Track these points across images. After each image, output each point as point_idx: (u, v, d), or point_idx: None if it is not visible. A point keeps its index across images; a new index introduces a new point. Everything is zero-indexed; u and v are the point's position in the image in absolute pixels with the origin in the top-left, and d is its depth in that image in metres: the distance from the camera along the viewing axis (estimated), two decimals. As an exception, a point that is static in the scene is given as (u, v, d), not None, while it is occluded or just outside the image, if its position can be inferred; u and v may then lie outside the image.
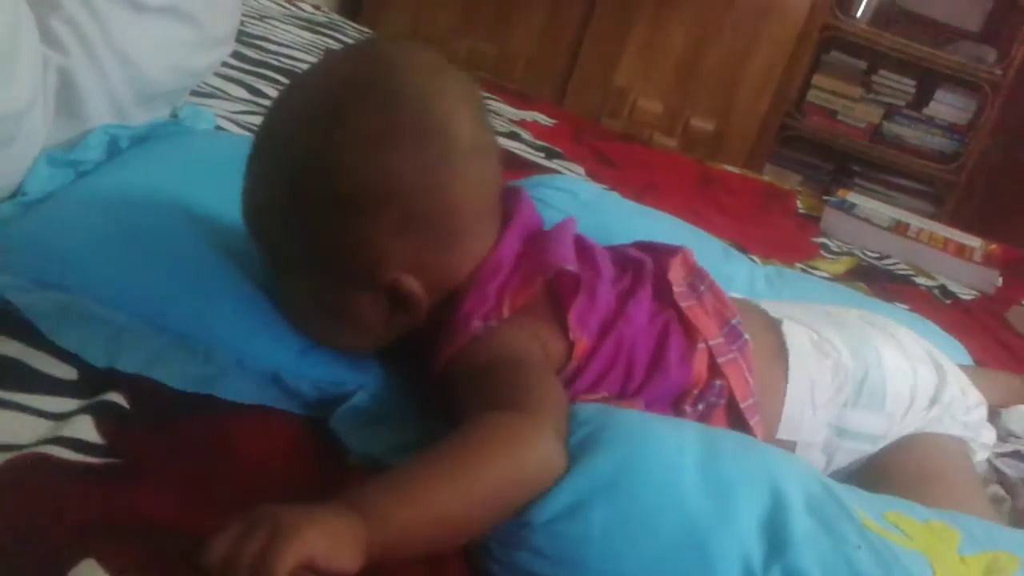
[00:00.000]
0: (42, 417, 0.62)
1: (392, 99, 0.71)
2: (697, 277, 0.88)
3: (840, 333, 0.90)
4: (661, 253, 0.88)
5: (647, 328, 0.80)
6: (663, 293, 0.84)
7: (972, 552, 0.67)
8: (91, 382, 0.66)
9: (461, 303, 0.73)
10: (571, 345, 0.75)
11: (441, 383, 0.72)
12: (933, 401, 0.89)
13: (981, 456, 0.96)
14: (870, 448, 0.86)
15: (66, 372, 0.66)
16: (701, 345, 0.81)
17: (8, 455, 0.57)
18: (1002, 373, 1.17)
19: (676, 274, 0.85)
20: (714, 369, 0.81)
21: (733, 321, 0.85)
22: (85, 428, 0.61)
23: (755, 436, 0.81)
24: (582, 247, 0.84)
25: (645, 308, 0.81)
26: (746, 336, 0.84)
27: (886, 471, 0.84)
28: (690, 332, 0.82)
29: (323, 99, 0.72)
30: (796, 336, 0.87)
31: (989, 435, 0.96)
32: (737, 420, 0.81)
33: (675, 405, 0.79)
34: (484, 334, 0.72)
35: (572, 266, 0.77)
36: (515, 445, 0.61)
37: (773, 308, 0.94)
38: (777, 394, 0.83)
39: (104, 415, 0.63)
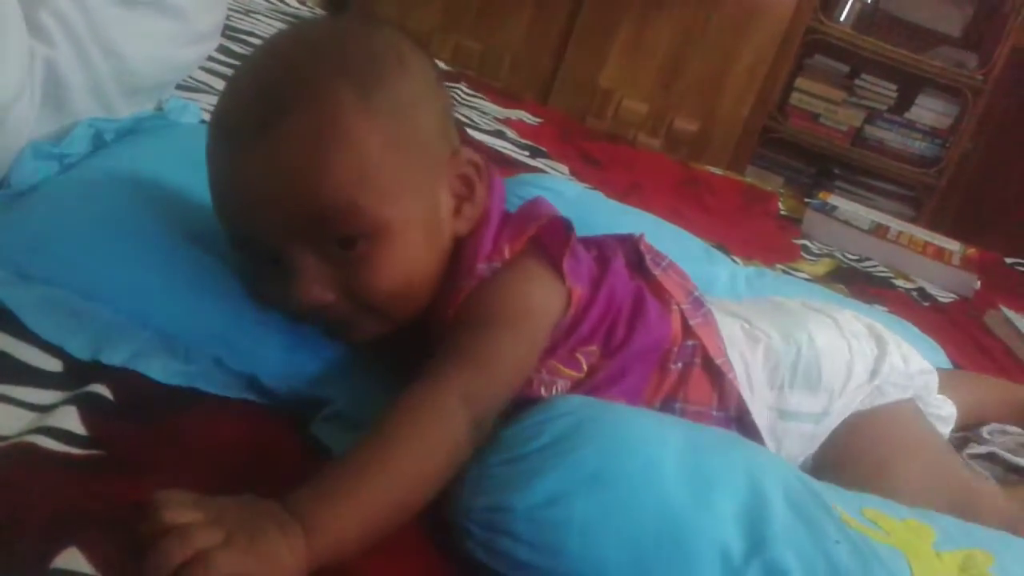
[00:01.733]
0: (27, 408, 0.62)
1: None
2: (657, 256, 0.91)
3: (772, 319, 0.92)
4: (621, 238, 0.92)
5: (627, 286, 0.84)
6: (633, 264, 0.88)
7: (948, 548, 0.69)
8: (76, 374, 0.66)
9: (462, 259, 0.76)
10: (568, 293, 0.77)
11: (442, 336, 0.73)
12: (873, 373, 0.91)
13: (941, 430, 0.98)
14: (813, 427, 0.88)
15: (51, 364, 0.67)
16: (674, 306, 0.86)
17: (-7, 445, 0.57)
18: (984, 379, 1.20)
19: (644, 248, 0.90)
20: (687, 330, 0.84)
21: (695, 293, 0.89)
22: (70, 419, 0.61)
23: (737, 390, 0.84)
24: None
25: (623, 269, 0.86)
26: (708, 306, 0.88)
27: (847, 455, 0.86)
28: (661, 296, 0.86)
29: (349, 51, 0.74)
30: (726, 326, 0.89)
31: (947, 408, 0.98)
32: (716, 378, 0.84)
33: (660, 363, 0.82)
34: (489, 276, 0.75)
35: (560, 214, 0.80)
36: (424, 439, 0.62)
37: (713, 302, 0.95)
38: (738, 383, 0.85)
39: (89, 407, 0.63)
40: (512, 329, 0.73)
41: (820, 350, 0.90)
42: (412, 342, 0.77)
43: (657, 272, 0.88)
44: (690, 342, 0.84)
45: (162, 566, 0.49)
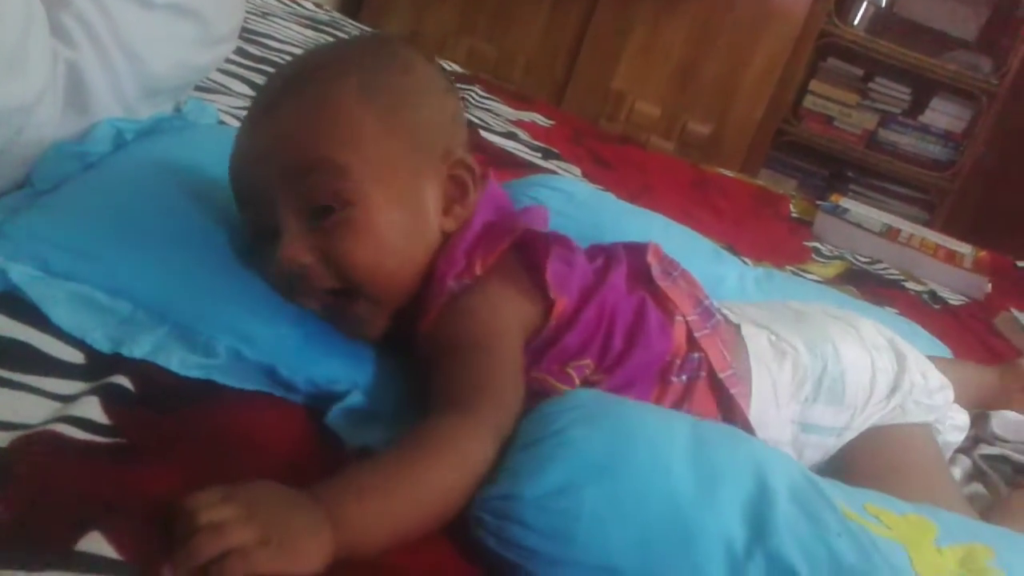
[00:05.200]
0: (51, 398, 0.64)
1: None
2: (669, 265, 0.92)
3: (799, 331, 0.92)
4: (631, 247, 0.92)
5: (626, 298, 0.84)
6: (639, 274, 0.88)
7: (949, 544, 0.70)
8: (98, 366, 0.68)
9: (435, 270, 0.79)
10: (550, 304, 0.79)
11: (424, 353, 0.77)
12: (893, 389, 0.91)
13: (953, 437, 0.99)
14: (835, 440, 0.89)
15: (74, 356, 0.69)
16: (678, 318, 0.86)
17: (19, 433, 0.59)
18: (975, 367, 1.19)
19: (652, 258, 0.90)
20: (692, 342, 0.85)
21: (705, 302, 0.90)
22: (92, 409, 0.63)
23: (741, 407, 0.84)
24: (554, 233, 0.87)
25: (623, 280, 0.86)
26: (718, 316, 0.89)
27: (856, 466, 0.87)
28: (666, 307, 0.86)
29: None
30: (754, 339, 0.90)
31: (961, 417, 0.99)
32: (721, 393, 0.84)
33: (661, 376, 0.82)
34: (460, 292, 0.77)
35: (541, 228, 0.82)
36: (454, 454, 0.65)
37: (735, 308, 0.96)
38: (744, 397, 0.86)
39: (111, 397, 0.65)
40: (498, 352, 0.75)
41: (845, 365, 0.90)
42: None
43: (665, 283, 0.88)
44: (695, 355, 0.84)
45: (194, 558, 0.51)
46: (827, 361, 0.90)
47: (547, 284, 0.79)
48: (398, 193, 0.78)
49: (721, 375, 0.84)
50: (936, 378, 0.96)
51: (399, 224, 0.78)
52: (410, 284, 0.79)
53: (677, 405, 0.82)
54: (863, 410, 0.90)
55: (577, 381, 0.78)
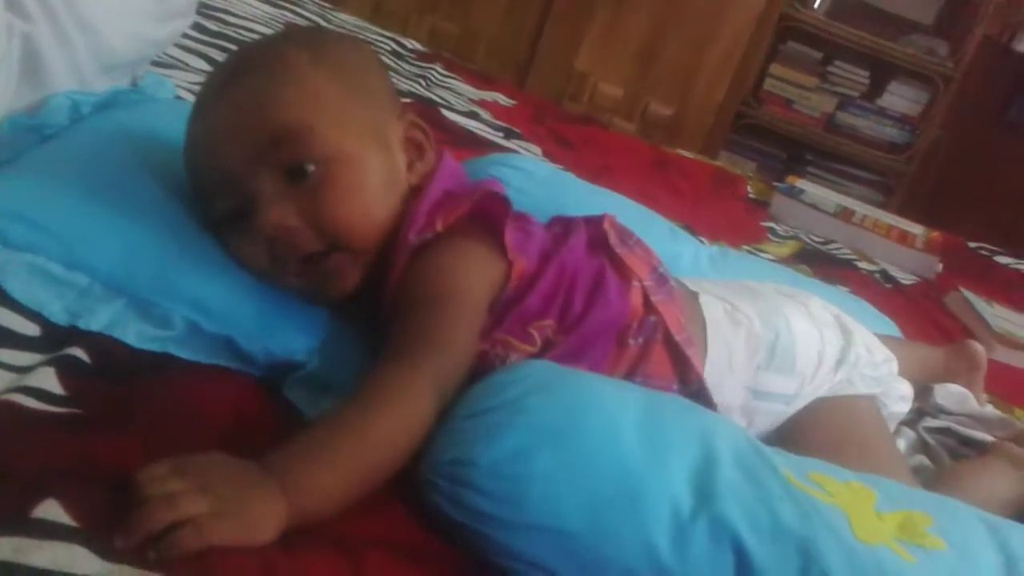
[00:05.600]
0: (5, 369, 0.64)
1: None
2: (625, 234, 0.94)
3: (753, 303, 0.96)
4: (588, 218, 0.95)
5: (586, 262, 0.86)
6: (597, 242, 0.91)
7: (888, 510, 0.72)
8: (53, 338, 0.69)
9: (398, 232, 0.81)
10: (509, 266, 0.81)
11: (389, 311, 0.78)
12: (840, 362, 0.94)
13: (899, 408, 1.02)
14: (784, 407, 0.92)
15: (29, 328, 0.69)
16: (635, 283, 0.88)
17: (-28, 403, 0.59)
18: (921, 347, 1.23)
19: (608, 227, 0.93)
20: (648, 306, 0.87)
21: (660, 269, 0.92)
22: (48, 379, 0.63)
23: (696, 367, 0.86)
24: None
25: (583, 245, 0.89)
26: (672, 283, 0.91)
27: (804, 436, 0.90)
28: (623, 272, 0.88)
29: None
30: (711, 307, 0.93)
31: (904, 387, 1.02)
32: (676, 355, 0.86)
33: (619, 338, 0.84)
34: (422, 247, 0.79)
35: (500, 190, 0.86)
36: (400, 405, 0.66)
37: (692, 282, 0.99)
38: (698, 358, 0.88)
39: (66, 368, 0.65)
40: (458, 306, 0.77)
41: (796, 336, 0.93)
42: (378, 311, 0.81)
43: (621, 250, 0.90)
44: (652, 318, 0.87)
45: (142, 527, 0.52)
46: (779, 332, 0.93)
47: (506, 246, 0.81)
48: (370, 147, 0.82)
49: (677, 337, 0.86)
50: (880, 351, 0.99)
51: (378, 174, 0.82)
52: (385, 235, 0.81)
53: (634, 367, 0.84)
54: (812, 379, 0.93)
55: (539, 341, 0.80)
